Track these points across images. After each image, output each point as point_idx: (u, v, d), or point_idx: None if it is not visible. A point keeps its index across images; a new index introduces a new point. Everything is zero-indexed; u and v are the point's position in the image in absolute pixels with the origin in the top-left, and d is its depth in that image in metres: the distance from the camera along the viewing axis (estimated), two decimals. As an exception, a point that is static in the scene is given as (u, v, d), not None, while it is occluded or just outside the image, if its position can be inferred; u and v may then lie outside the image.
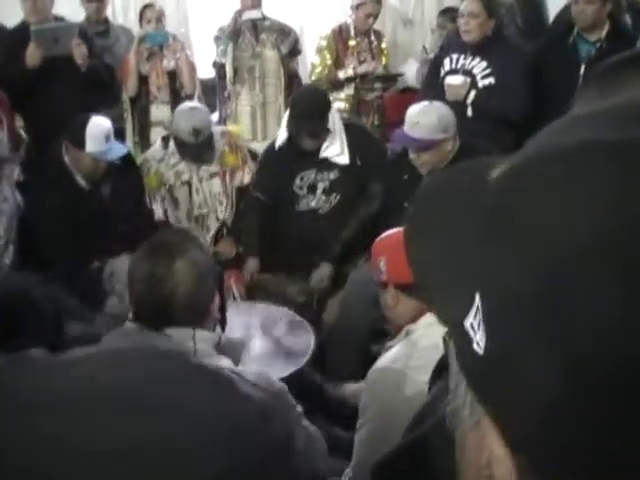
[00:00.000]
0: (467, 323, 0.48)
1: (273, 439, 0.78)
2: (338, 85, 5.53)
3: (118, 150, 4.25)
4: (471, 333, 0.48)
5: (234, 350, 1.98)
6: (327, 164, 4.31)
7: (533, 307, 0.43)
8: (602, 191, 0.42)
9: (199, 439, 0.73)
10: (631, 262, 0.40)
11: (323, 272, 4.29)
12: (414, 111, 3.87)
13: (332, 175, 4.33)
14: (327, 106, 4.30)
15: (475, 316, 0.47)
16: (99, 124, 4.14)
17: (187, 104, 4.65)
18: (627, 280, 0.40)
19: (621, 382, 0.40)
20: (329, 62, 5.55)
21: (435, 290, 0.54)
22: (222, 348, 1.92)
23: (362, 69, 5.51)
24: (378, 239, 2.59)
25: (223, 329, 3.33)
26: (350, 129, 4.35)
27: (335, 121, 4.27)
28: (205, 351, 1.84)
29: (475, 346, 0.47)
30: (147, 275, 1.85)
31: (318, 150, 4.25)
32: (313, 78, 5.60)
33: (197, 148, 4.38)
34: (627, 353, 0.40)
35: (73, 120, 4.18)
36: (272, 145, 4.51)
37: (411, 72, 5.88)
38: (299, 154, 4.29)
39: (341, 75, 5.51)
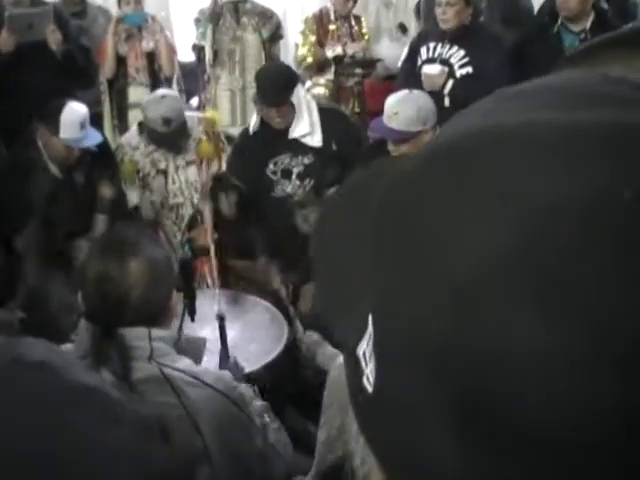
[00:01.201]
0: (360, 351, 0.39)
1: (161, 461, 0.71)
2: (324, 64, 5.46)
3: (93, 138, 4.19)
4: (362, 364, 0.39)
5: (195, 349, 1.95)
6: (302, 148, 4.26)
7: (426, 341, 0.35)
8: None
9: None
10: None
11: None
12: (393, 101, 3.81)
13: (306, 160, 4.28)
14: (291, 78, 4.23)
15: (368, 343, 0.39)
16: (74, 110, 4.09)
17: (157, 92, 4.58)
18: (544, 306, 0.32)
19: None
20: (313, 39, 5.49)
21: (336, 307, 0.45)
22: (182, 347, 1.88)
23: (351, 48, 5.45)
24: None
25: (192, 319, 3.32)
26: (327, 113, 4.29)
27: (300, 97, 4.19)
28: (162, 350, 1.81)
29: (365, 381, 0.39)
30: (99, 277, 1.81)
31: (287, 130, 4.21)
32: (299, 54, 5.54)
33: (170, 137, 4.33)
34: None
35: (48, 105, 4.12)
36: (246, 130, 4.46)
37: (387, 53, 5.80)
38: (272, 138, 4.24)
39: (329, 53, 5.44)
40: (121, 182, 4.51)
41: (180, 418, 1.74)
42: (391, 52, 5.83)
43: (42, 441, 0.63)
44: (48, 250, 4.19)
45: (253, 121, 4.34)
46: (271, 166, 4.32)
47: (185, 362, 1.84)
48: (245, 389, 1.95)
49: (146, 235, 1.96)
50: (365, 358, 0.39)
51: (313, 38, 5.48)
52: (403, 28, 6.14)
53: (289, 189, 4.34)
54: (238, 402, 1.83)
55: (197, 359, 1.90)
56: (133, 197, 4.53)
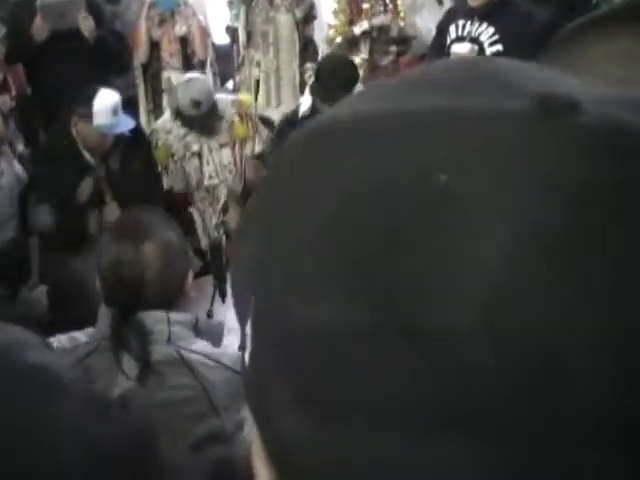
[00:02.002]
0: (247, 328, 0.42)
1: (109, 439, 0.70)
2: (353, 43, 5.41)
3: (126, 124, 4.20)
4: (248, 340, 0.42)
5: (213, 332, 1.95)
6: None
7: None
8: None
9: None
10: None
11: None
12: None
13: None
14: (354, 78, 4.20)
15: (251, 322, 0.41)
16: (107, 97, 4.10)
17: (186, 76, 4.59)
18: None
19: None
20: (343, 19, 5.44)
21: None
22: (200, 330, 1.88)
23: (377, 21, 5.38)
24: None
25: (223, 300, 3.32)
26: None
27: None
28: (180, 333, 1.82)
29: (246, 355, 0.42)
30: (115, 261, 1.82)
31: None
32: (329, 34, 5.50)
33: (200, 119, 4.33)
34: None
35: (82, 93, 4.15)
36: (289, 115, 4.44)
37: (423, 30, 5.72)
38: None
39: (356, 30, 5.38)
40: (156, 167, 4.53)
41: (199, 399, 1.75)
42: (427, 29, 5.76)
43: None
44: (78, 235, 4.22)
45: (304, 105, 4.31)
46: None
47: (202, 344, 1.84)
48: None
49: (160, 218, 1.96)
50: (248, 335, 0.41)
51: (344, 18, 5.43)
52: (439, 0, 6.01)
53: None
54: None
55: (216, 342, 1.90)
56: (168, 182, 4.55)
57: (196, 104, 4.22)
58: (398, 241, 0.34)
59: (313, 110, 4.23)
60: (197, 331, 1.87)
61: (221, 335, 2.04)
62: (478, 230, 0.33)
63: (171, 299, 1.84)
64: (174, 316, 1.82)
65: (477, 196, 0.33)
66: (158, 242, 1.82)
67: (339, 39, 5.42)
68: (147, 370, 1.73)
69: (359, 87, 4.27)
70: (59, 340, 1.83)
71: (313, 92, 4.23)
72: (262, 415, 0.41)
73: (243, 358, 0.43)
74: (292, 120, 4.43)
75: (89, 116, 4.06)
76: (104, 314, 1.83)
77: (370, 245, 0.35)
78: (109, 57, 5.14)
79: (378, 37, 5.41)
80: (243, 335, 0.43)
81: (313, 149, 0.40)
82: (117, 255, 1.81)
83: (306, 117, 4.27)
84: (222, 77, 5.88)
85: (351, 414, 0.35)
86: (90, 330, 1.86)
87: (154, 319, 1.79)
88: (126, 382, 1.72)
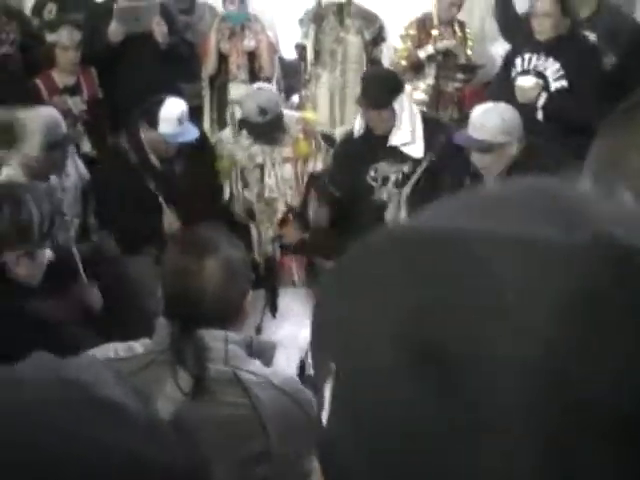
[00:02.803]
0: (326, 391, 0.48)
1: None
2: (419, 67, 5.44)
3: (190, 133, 4.27)
4: (325, 402, 0.47)
5: (265, 352, 1.97)
6: (401, 157, 4.28)
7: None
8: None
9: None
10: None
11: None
12: (479, 112, 3.78)
13: (405, 168, 4.29)
14: (396, 84, 4.28)
15: (331, 388, 0.47)
16: (173, 106, 4.18)
17: (254, 85, 4.69)
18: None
19: None
20: (409, 44, 5.46)
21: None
22: (253, 349, 1.91)
23: (442, 45, 5.39)
24: None
25: (274, 315, 3.34)
26: (430, 124, 4.31)
27: (404, 105, 4.23)
28: (236, 352, 1.84)
29: (323, 414, 0.47)
30: (179, 269, 1.85)
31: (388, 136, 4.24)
32: (395, 59, 5.53)
33: (266, 127, 4.39)
34: None
35: (150, 99, 4.23)
36: (349, 134, 4.49)
37: (491, 59, 5.73)
38: (375, 144, 4.27)
39: (421, 54, 5.40)
40: (217, 175, 4.59)
41: (249, 418, 1.77)
42: (494, 58, 5.76)
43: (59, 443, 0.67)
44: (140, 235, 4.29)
45: (357, 125, 4.37)
46: (372, 172, 4.34)
47: (256, 364, 1.87)
48: (309, 393, 1.96)
49: (223, 235, 1.99)
50: (326, 398, 0.47)
51: (409, 43, 5.45)
52: None
53: (384, 196, 4.35)
54: (304, 405, 1.85)
55: (267, 362, 1.93)
56: (228, 192, 4.61)
57: (263, 112, 4.28)
58: (463, 344, 0.41)
59: (367, 130, 4.28)
60: (251, 350, 1.89)
61: (272, 355, 2.06)
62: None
63: (230, 316, 1.87)
64: (232, 335, 1.84)
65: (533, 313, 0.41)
66: (222, 258, 1.85)
67: (404, 62, 5.44)
68: (201, 387, 1.76)
69: (415, 108, 4.32)
70: (116, 349, 1.87)
71: (359, 101, 4.30)
72: (333, 476, 0.46)
73: (319, 416, 0.48)
74: (348, 140, 4.49)
75: (155, 123, 4.15)
76: (163, 326, 1.85)
77: (443, 345, 0.41)
78: (179, 64, 5.25)
79: (445, 63, 5.42)
80: (320, 394, 0.48)
81: (401, 258, 0.46)
82: (182, 267, 1.84)
83: (360, 136, 4.33)
84: (288, 92, 5.94)
85: None
86: (147, 341, 1.89)
87: (213, 337, 1.82)
88: (179, 396, 1.76)
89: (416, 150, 4.24)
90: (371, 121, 4.22)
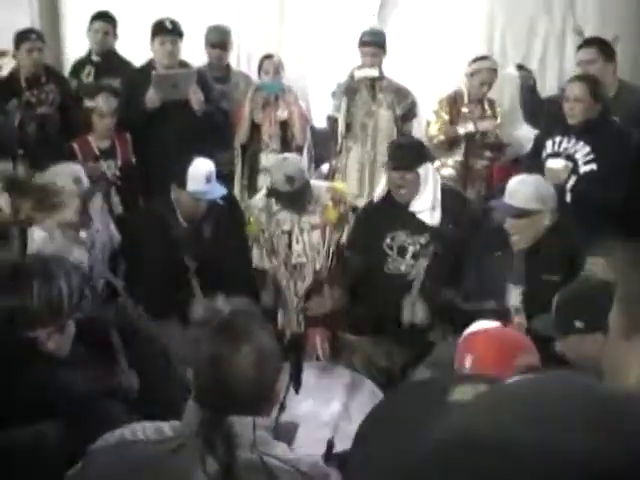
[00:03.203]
0: None
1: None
2: (454, 142, 5.50)
3: (218, 191, 4.37)
4: None
5: (286, 432, 1.97)
6: (419, 227, 4.32)
7: None
8: None
9: None
10: None
11: (417, 307, 4.26)
12: (514, 180, 3.90)
13: (422, 239, 4.33)
14: (422, 151, 4.38)
15: None
16: (201, 165, 4.29)
17: (281, 155, 4.76)
18: None
19: None
20: (446, 118, 5.54)
21: None
22: (276, 431, 1.90)
23: (483, 126, 5.48)
24: (468, 333, 2.61)
25: (297, 391, 3.34)
26: (448, 193, 4.38)
27: (428, 173, 4.31)
28: (263, 438, 1.83)
29: None
30: (212, 357, 1.84)
31: (409, 204, 4.30)
32: (430, 132, 5.60)
33: (293, 195, 4.46)
34: None
35: (178, 161, 4.31)
36: (368, 203, 4.55)
37: (520, 137, 5.80)
38: (394, 211, 4.34)
39: (461, 130, 5.48)
40: (246, 240, 4.64)
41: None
42: (523, 136, 5.82)
43: None
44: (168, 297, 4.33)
45: (379, 190, 4.43)
46: (388, 240, 4.38)
47: (282, 449, 1.85)
48: (335, 473, 1.96)
49: (258, 321, 1.99)
50: None
51: (446, 117, 5.53)
52: (579, 31, 6.01)
53: (402, 268, 4.38)
54: None
55: (289, 441, 1.92)
56: (256, 257, 4.65)
57: (290, 180, 4.35)
58: None
59: (388, 196, 4.36)
60: (276, 433, 1.89)
61: (294, 436, 2.06)
62: None
63: (260, 403, 1.86)
64: (259, 421, 1.82)
65: None
66: (255, 345, 1.83)
67: (442, 137, 5.51)
68: (230, 475, 1.75)
69: (438, 179, 4.38)
70: (144, 430, 1.87)
71: (385, 165, 4.39)
72: None
73: None
74: (369, 206, 4.57)
75: (184, 183, 4.23)
76: (193, 410, 1.84)
77: None
78: (214, 132, 5.34)
79: (474, 141, 5.49)
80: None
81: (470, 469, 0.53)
82: (216, 355, 1.82)
83: (379, 202, 4.42)
84: (318, 161, 6.02)
85: None
86: (176, 424, 1.88)
87: (242, 424, 1.80)
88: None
89: (434, 217, 4.31)
90: (394, 185, 4.29)
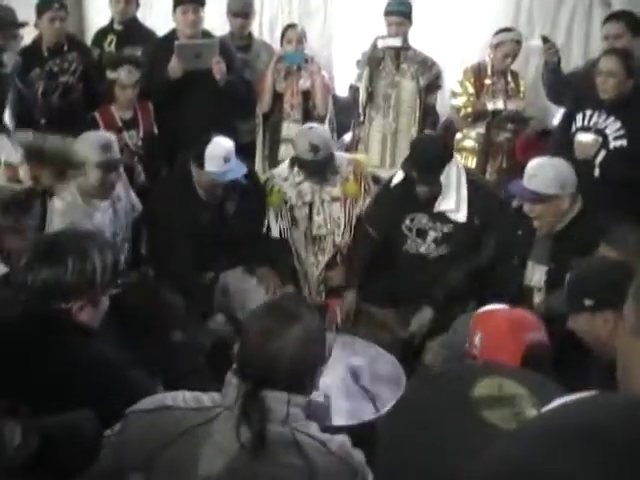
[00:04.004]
0: None
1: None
2: (481, 116, 5.46)
3: (236, 171, 4.30)
4: None
5: (320, 413, 2.00)
6: (443, 218, 4.30)
7: None
8: None
9: None
10: None
11: (424, 317, 4.26)
12: (533, 164, 3.81)
13: (446, 228, 4.31)
14: (444, 157, 4.25)
15: None
16: (219, 145, 4.23)
17: (307, 124, 4.74)
18: None
19: None
20: (471, 91, 5.49)
21: None
22: (310, 411, 1.94)
23: (513, 105, 5.43)
24: (483, 310, 2.61)
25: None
26: (475, 187, 4.30)
27: (451, 176, 4.21)
28: (296, 415, 1.88)
29: None
30: (263, 330, 1.89)
31: (432, 200, 4.25)
32: (454, 103, 5.55)
33: (317, 165, 4.46)
34: None
35: (199, 141, 4.29)
36: (389, 181, 4.51)
37: (543, 110, 5.75)
38: (413, 194, 4.28)
39: (490, 106, 5.43)
40: (267, 212, 4.64)
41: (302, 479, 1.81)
42: (547, 108, 5.78)
43: None
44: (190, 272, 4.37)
45: (397, 176, 4.39)
46: (407, 222, 4.37)
47: (314, 427, 1.91)
48: (359, 454, 1.99)
49: (306, 305, 2.07)
50: None
51: (472, 90, 5.48)
52: (606, 2, 5.91)
53: (422, 249, 4.37)
54: (357, 469, 1.89)
55: (321, 423, 1.96)
56: (276, 230, 4.66)
57: (314, 148, 4.36)
58: None
59: (404, 181, 4.30)
60: (307, 412, 1.92)
61: (325, 417, 2.09)
62: None
63: (301, 382, 1.91)
64: (294, 399, 1.88)
65: None
66: (305, 327, 1.90)
67: (469, 109, 5.46)
68: (261, 445, 1.80)
69: (462, 173, 4.31)
70: (184, 398, 1.93)
71: (404, 165, 4.28)
72: None
73: None
74: (387, 187, 4.51)
75: (202, 164, 4.22)
76: (232, 384, 1.89)
77: None
78: (236, 102, 5.32)
79: (498, 114, 5.45)
80: None
81: None
82: (267, 329, 1.88)
83: (397, 186, 4.36)
84: (340, 131, 5.99)
85: None
86: (215, 395, 1.93)
87: (277, 399, 1.86)
88: (238, 452, 1.79)
89: (460, 216, 4.27)
90: (420, 193, 4.23)
